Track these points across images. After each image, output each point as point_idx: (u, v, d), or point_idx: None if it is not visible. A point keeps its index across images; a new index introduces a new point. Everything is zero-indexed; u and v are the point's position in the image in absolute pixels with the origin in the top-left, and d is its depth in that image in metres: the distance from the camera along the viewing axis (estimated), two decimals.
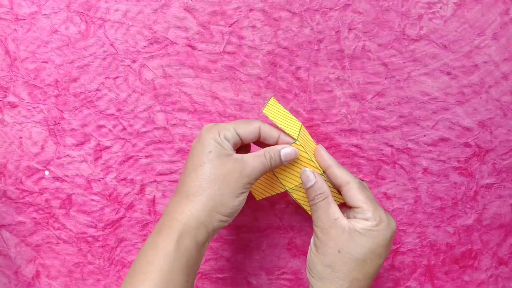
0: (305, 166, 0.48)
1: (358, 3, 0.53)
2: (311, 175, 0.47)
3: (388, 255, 0.46)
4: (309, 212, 0.50)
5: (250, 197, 0.55)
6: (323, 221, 0.45)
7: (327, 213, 0.46)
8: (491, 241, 0.55)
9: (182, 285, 0.42)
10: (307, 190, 0.47)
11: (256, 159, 0.45)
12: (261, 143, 0.49)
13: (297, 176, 0.48)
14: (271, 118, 0.47)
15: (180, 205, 0.44)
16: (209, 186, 0.44)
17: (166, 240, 0.42)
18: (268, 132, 0.47)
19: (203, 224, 0.43)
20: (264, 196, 0.51)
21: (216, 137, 0.45)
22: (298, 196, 0.50)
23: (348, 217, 0.47)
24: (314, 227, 0.46)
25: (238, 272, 0.56)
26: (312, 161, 0.47)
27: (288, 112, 0.50)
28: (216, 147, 0.44)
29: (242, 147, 0.49)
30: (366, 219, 0.45)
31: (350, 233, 0.44)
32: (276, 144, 0.48)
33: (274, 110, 0.49)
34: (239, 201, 0.44)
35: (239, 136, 0.46)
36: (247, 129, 0.46)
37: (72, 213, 0.55)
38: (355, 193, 0.46)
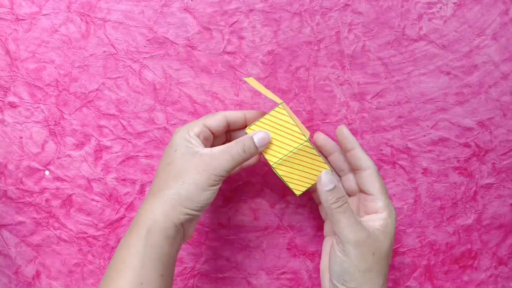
0: (289, 133, 0.46)
1: (358, 3, 0.53)
2: (332, 177, 0.45)
3: None
4: (295, 191, 0.48)
5: (251, 196, 0.55)
6: (353, 225, 0.43)
7: (354, 217, 0.44)
8: (490, 241, 0.55)
9: (156, 280, 0.43)
10: (324, 192, 0.45)
11: (224, 150, 0.44)
12: (232, 133, 0.50)
13: (281, 148, 0.46)
14: (252, 84, 0.47)
15: (148, 202, 0.45)
16: (174, 181, 0.44)
17: (136, 237, 0.43)
18: (234, 115, 0.47)
19: (169, 219, 0.43)
20: (303, 189, 0.48)
21: (184, 135, 0.45)
22: (283, 172, 0.47)
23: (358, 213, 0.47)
24: (346, 233, 0.44)
25: (238, 272, 0.56)
26: (297, 126, 0.45)
27: (270, 91, 0.50)
28: (182, 145, 0.45)
29: (218, 142, 0.50)
30: (376, 211, 0.45)
31: (374, 232, 0.44)
32: (245, 127, 0.48)
33: (256, 83, 0.49)
34: (207, 195, 0.44)
35: (208, 128, 0.46)
36: (215, 119, 0.46)
37: (72, 213, 0.55)
38: (373, 179, 0.46)
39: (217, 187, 0.44)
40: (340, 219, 0.44)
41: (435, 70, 0.54)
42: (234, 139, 0.49)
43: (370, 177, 0.46)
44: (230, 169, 0.44)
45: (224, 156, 0.44)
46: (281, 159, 0.46)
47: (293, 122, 0.45)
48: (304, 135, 0.46)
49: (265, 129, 0.46)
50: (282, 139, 0.46)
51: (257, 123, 0.46)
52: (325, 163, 0.47)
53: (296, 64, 0.54)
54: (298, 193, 0.48)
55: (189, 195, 0.43)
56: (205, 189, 0.44)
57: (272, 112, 0.45)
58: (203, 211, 0.45)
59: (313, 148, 0.46)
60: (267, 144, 0.46)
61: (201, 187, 0.43)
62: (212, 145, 0.49)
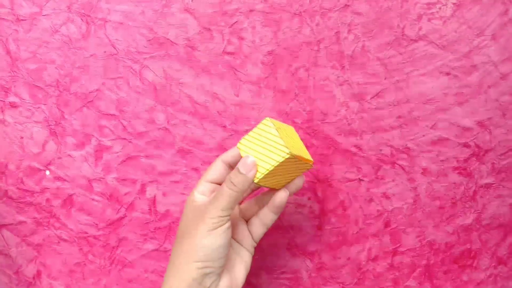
0: (273, 146, 0.44)
1: (357, 4, 0.53)
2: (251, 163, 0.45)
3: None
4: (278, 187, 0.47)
5: (251, 196, 0.55)
6: None
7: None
8: (490, 240, 0.55)
9: None
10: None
11: (216, 192, 0.44)
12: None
13: (265, 162, 0.44)
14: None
15: (168, 268, 0.46)
16: (181, 239, 0.45)
17: None
18: (230, 155, 0.46)
19: (188, 279, 0.43)
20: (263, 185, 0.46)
21: (191, 198, 0.46)
22: (267, 183, 0.46)
23: None
24: None
25: None
26: (281, 139, 0.44)
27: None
28: (188, 206, 0.46)
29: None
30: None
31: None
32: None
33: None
34: (210, 239, 0.43)
35: (211, 182, 0.46)
36: (213, 170, 0.47)
37: (73, 213, 0.55)
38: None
39: (220, 230, 0.43)
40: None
41: (434, 71, 0.54)
42: None
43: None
44: (227, 207, 0.43)
45: (217, 197, 0.44)
46: (263, 174, 0.44)
47: (277, 134, 0.44)
48: (287, 147, 0.43)
49: (252, 143, 0.44)
50: (266, 152, 0.44)
51: (246, 137, 0.45)
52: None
53: (296, 64, 0.54)
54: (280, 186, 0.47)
55: (194, 246, 0.43)
56: (206, 234, 0.43)
57: (259, 125, 0.45)
58: (215, 262, 0.43)
59: (296, 159, 0.44)
60: (254, 166, 0.44)
61: (202, 233, 0.43)
62: None
